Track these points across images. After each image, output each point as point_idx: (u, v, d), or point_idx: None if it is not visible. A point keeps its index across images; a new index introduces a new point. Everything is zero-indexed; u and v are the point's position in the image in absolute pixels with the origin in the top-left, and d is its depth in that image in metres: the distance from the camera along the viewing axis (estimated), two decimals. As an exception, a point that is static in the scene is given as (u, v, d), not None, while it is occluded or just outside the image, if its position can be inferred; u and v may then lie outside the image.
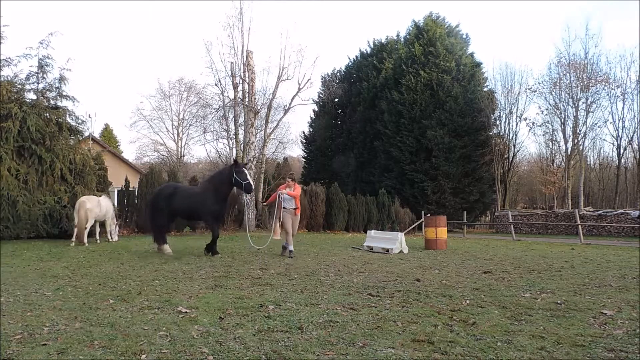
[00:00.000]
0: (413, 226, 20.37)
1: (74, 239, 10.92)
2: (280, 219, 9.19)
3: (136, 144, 45.61)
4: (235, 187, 8.89)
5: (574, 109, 26.92)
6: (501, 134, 30.18)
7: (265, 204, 10.82)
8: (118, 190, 18.43)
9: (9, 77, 13.21)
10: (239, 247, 10.99)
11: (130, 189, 17.41)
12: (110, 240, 12.31)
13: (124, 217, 16.53)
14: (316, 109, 36.37)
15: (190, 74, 61.41)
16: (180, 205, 8.85)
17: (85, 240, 10.85)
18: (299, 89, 22.09)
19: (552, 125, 29.20)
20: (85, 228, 10.89)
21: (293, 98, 22.56)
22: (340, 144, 33.60)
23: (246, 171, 8.72)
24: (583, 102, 26.69)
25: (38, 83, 13.68)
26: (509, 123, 30.72)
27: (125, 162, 29.10)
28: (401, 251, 10.13)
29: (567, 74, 27.18)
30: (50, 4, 62.07)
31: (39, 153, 12.60)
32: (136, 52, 67.46)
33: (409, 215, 23.20)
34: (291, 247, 9.05)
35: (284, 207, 9.15)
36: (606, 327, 3.63)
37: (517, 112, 30.62)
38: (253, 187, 8.57)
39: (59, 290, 5.05)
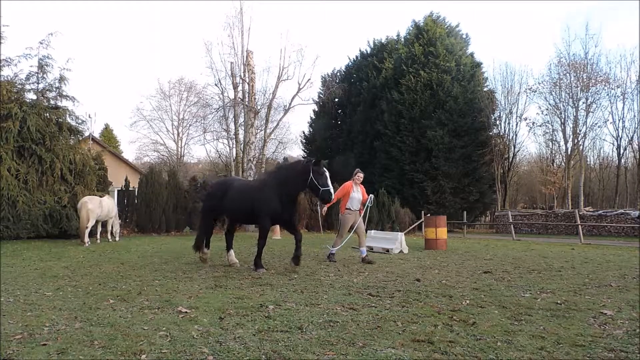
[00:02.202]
0: (413, 226, 20.37)
1: (86, 239, 10.92)
2: (347, 221, 8.38)
3: (136, 144, 45.68)
4: (307, 190, 7.09)
5: (574, 109, 26.94)
6: (501, 134, 30.19)
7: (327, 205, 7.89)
8: (118, 190, 18.44)
9: (9, 77, 13.22)
10: (239, 247, 10.99)
11: (130, 189, 17.41)
12: (112, 240, 12.32)
13: (124, 217, 16.54)
14: (316, 109, 36.37)
15: (190, 74, 61.49)
16: (234, 203, 7.12)
17: (86, 240, 10.86)
18: (299, 89, 22.11)
19: (552, 125, 29.23)
20: (87, 228, 10.90)
21: (293, 98, 22.59)
22: (340, 144, 33.58)
23: (327, 174, 6.84)
24: (583, 102, 26.70)
25: (38, 83, 13.68)
26: (509, 123, 30.76)
27: (125, 162, 29.11)
28: (401, 251, 10.14)
29: (567, 74, 27.19)
30: (50, 4, 62.09)
31: (39, 153, 12.60)
32: (136, 52, 67.49)
33: (409, 215, 23.19)
34: (364, 250, 8.39)
35: (349, 208, 8.36)
36: (606, 327, 3.62)
37: (517, 112, 30.66)
38: (333, 196, 6.83)
39: (59, 290, 5.05)
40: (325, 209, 8.81)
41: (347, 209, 8.40)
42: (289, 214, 6.89)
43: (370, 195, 8.65)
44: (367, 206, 8.67)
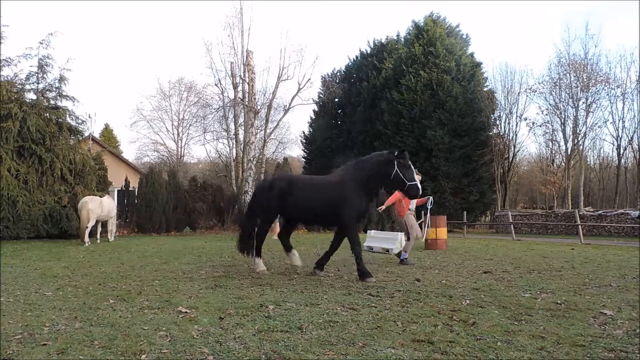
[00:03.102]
0: (413, 226, 20.33)
1: (86, 239, 10.92)
2: (412, 221, 8.17)
3: (136, 144, 45.68)
4: (391, 185, 6.38)
5: (574, 109, 26.91)
6: (501, 134, 30.17)
7: (384, 207, 8.24)
8: (118, 190, 18.44)
9: (9, 77, 13.24)
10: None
11: (130, 189, 17.42)
12: (110, 240, 12.32)
13: (124, 217, 16.55)
14: (316, 109, 36.36)
15: (190, 74, 61.49)
16: (305, 201, 6.28)
17: (86, 240, 10.87)
18: (299, 89, 22.11)
19: (552, 125, 29.20)
20: (87, 228, 10.91)
21: (293, 98, 22.58)
22: (340, 144, 33.56)
23: (413, 167, 6.28)
24: (583, 102, 26.68)
25: (38, 83, 13.70)
26: (509, 123, 30.72)
27: (125, 162, 29.12)
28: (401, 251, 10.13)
29: (567, 74, 27.17)
30: (50, 4, 62.09)
31: (39, 153, 12.61)
32: (136, 52, 67.49)
33: (408, 215, 23.15)
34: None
35: (410, 209, 8.12)
36: (606, 327, 3.62)
37: (517, 112, 30.62)
38: (420, 191, 6.27)
39: (59, 290, 5.05)
40: (383, 207, 8.31)
41: (409, 209, 8.14)
42: (367, 214, 6.27)
43: (429, 197, 8.54)
44: (428, 208, 8.59)
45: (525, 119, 30.50)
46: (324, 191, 6.26)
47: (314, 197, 6.25)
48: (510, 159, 31.56)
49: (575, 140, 27.35)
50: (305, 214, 6.49)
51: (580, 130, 27.04)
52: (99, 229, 12.09)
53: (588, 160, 33.42)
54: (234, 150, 24.60)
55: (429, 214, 9.39)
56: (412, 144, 26.62)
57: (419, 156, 26.50)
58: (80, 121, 14.50)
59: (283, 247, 6.92)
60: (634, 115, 27.98)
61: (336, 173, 6.44)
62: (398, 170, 6.01)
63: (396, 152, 6.15)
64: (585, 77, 26.40)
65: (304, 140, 37.47)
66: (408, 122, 26.88)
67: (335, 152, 33.85)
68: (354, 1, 65.68)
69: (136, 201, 16.82)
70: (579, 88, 26.51)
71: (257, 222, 6.73)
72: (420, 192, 6.25)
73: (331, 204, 6.10)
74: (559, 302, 4.58)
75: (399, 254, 8.28)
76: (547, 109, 28.54)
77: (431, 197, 8.59)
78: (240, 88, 21.65)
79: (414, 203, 8.14)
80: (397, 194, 7.92)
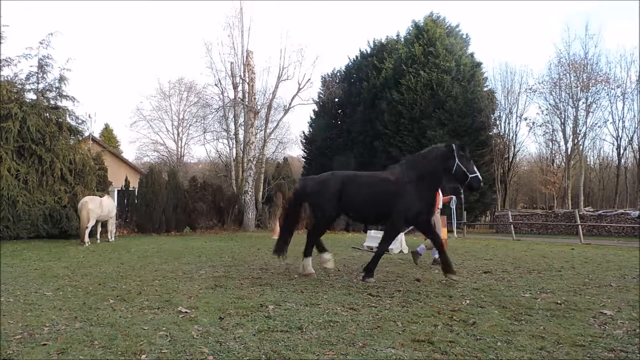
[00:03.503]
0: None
1: (86, 239, 10.92)
2: (439, 220, 8.17)
3: (136, 144, 45.63)
4: (452, 179, 6.10)
5: (574, 109, 26.93)
6: (501, 134, 30.18)
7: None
8: (118, 190, 18.44)
9: (9, 77, 13.23)
10: (239, 247, 11.00)
11: (130, 189, 17.42)
12: (110, 240, 12.32)
13: (124, 217, 16.55)
14: (316, 109, 36.36)
15: (190, 74, 61.51)
16: (363, 199, 6.02)
17: (86, 240, 10.87)
18: (299, 89, 22.12)
19: (552, 125, 29.21)
20: (87, 228, 10.91)
21: (293, 98, 22.60)
22: (340, 144, 33.57)
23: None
24: (583, 102, 26.69)
25: (38, 83, 13.70)
26: (509, 123, 30.73)
27: (125, 162, 29.11)
28: (401, 251, 10.14)
29: (567, 74, 27.17)
30: (50, 4, 62.10)
31: (39, 153, 12.61)
32: (136, 52, 67.50)
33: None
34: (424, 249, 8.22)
35: (439, 207, 8.10)
36: (606, 327, 3.62)
37: (517, 112, 30.63)
38: (482, 182, 6.01)
39: (59, 290, 5.05)
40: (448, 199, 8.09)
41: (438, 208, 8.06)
42: (428, 212, 6.03)
43: (452, 196, 8.45)
44: (451, 208, 8.52)
45: (525, 119, 30.53)
46: (381, 189, 5.97)
47: (371, 195, 5.98)
48: (510, 159, 31.56)
49: (575, 140, 27.36)
50: (362, 211, 6.24)
51: (580, 130, 27.05)
52: (99, 229, 12.08)
53: (588, 160, 33.44)
54: (234, 150, 24.63)
55: (454, 214, 9.32)
56: (412, 144, 26.61)
57: (419, 156, 26.52)
58: (80, 121, 14.51)
59: (316, 247, 6.59)
60: (634, 115, 28.00)
61: (395, 169, 6.17)
62: (459, 163, 5.80)
63: (455, 144, 5.97)
64: (585, 77, 26.41)
65: (304, 140, 37.48)
66: (408, 122, 26.89)
67: (335, 152, 33.88)
68: (354, 1, 65.71)
69: (136, 201, 16.81)
70: (579, 88, 26.52)
71: (326, 224, 6.57)
72: (482, 184, 6.00)
73: (386, 202, 5.88)
74: (559, 302, 4.58)
75: (436, 261, 8.24)
76: (547, 109, 28.57)
77: (454, 197, 8.47)
78: (240, 88, 21.67)
79: (441, 201, 8.09)
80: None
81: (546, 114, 28.75)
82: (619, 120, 28.60)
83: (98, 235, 12.00)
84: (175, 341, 3.19)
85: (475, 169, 5.90)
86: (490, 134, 28.66)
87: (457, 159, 5.81)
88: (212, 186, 19.83)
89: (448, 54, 26.98)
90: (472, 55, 29.02)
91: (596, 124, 28.01)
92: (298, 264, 6.73)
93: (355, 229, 21.00)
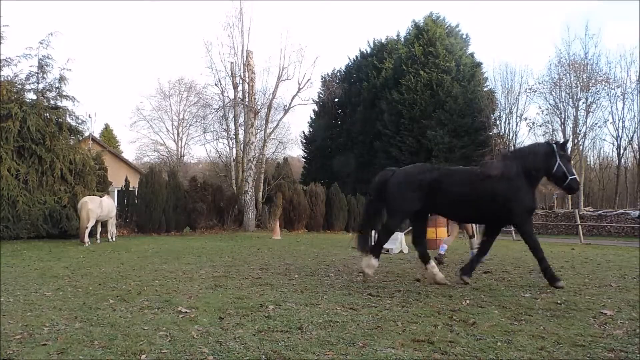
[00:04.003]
0: (413, 226, 20.34)
1: (86, 239, 10.92)
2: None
3: (136, 144, 45.63)
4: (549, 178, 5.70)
5: (574, 109, 26.92)
6: (501, 134, 30.17)
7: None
8: (118, 190, 18.43)
9: (9, 77, 13.23)
10: (239, 247, 10.99)
11: (130, 189, 17.41)
12: (110, 240, 12.31)
13: (124, 217, 16.54)
14: (316, 109, 36.38)
15: (190, 74, 61.50)
16: (463, 197, 5.53)
17: (86, 240, 10.87)
18: (299, 89, 22.10)
19: (552, 125, 29.17)
20: (87, 228, 10.91)
21: (293, 98, 22.57)
22: (340, 144, 33.59)
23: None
24: (583, 102, 26.69)
25: (38, 83, 13.69)
26: (509, 123, 30.68)
27: (125, 162, 29.11)
28: (401, 251, 10.14)
29: (567, 74, 27.17)
30: (50, 4, 62.10)
31: (39, 153, 12.61)
32: (136, 52, 67.49)
33: (409, 215, 23.15)
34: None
35: None
36: (606, 327, 3.62)
37: (517, 112, 30.60)
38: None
39: (59, 290, 5.04)
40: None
41: None
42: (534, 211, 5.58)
43: None
44: None
45: (525, 119, 30.49)
46: (488, 186, 5.44)
47: (477, 193, 5.48)
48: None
49: (575, 140, 27.34)
50: (463, 210, 5.76)
51: (580, 130, 27.04)
52: (99, 229, 12.08)
53: (588, 160, 33.41)
54: (234, 150, 24.59)
55: None
56: (412, 144, 26.65)
57: (419, 156, 26.51)
58: (80, 121, 14.50)
59: (420, 256, 5.90)
60: (634, 115, 27.99)
61: (495, 165, 5.77)
62: (560, 163, 5.48)
63: (557, 142, 5.71)
64: (585, 77, 26.41)
65: (304, 140, 37.49)
66: (408, 122, 26.90)
67: (335, 152, 33.91)
68: (354, 1, 65.71)
69: (136, 201, 16.80)
70: (579, 88, 26.52)
71: (381, 219, 6.02)
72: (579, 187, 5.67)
73: (495, 200, 5.41)
74: (559, 302, 4.57)
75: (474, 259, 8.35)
76: (547, 109, 28.56)
77: None
78: (240, 88, 21.65)
79: None
80: None
81: (546, 114, 28.76)
82: (619, 120, 28.61)
83: (98, 235, 11.99)
84: (175, 341, 3.18)
85: (574, 171, 5.65)
86: (490, 134, 28.66)
87: (558, 159, 5.49)
88: (212, 186, 19.82)
89: (448, 54, 27.00)
90: (472, 55, 29.04)
91: (596, 124, 28.03)
92: (357, 264, 6.06)
93: (355, 229, 20.98)
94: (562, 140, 5.75)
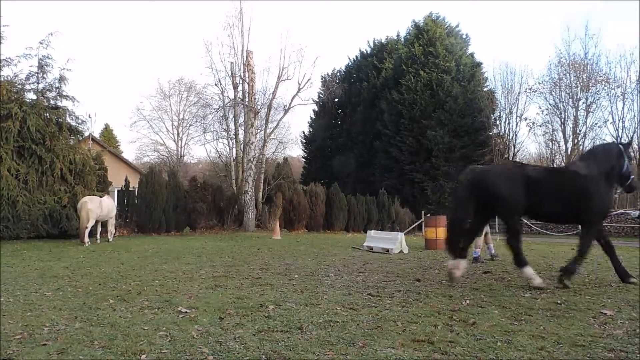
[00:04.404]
0: (413, 226, 20.36)
1: (86, 239, 10.92)
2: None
3: (136, 144, 45.62)
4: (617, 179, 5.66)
5: (574, 109, 26.93)
6: (501, 134, 30.16)
7: None
8: (118, 190, 18.42)
9: (9, 77, 13.22)
10: (239, 247, 11.00)
11: (130, 189, 17.40)
12: (109, 240, 12.31)
13: (124, 217, 16.53)
14: (316, 109, 36.36)
15: (190, 74, 61.42)
16: (552, 196, 5.42)
17: (86, 240, 10.87)
18: (299, 89, 22.08)
19: (552, 125, 29.16)
20: (86, 228, 10.91)
21: (293, 98, 22.55)
22: (340, 144, 33.58)
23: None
24: (583, 102, 26.70)
25: (38, 83, 13.68)
26: (509, 123, 30.67)
27: (125, 162, 29.10)
28: (401, 251, 10.13)
29: (567, 74, 27.17)
30: (50, 4, 62.10)
31: (39, 153, 12.60)
32: (136, 52, 67.49)
33: (409, 215, 23.19)
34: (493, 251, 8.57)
35: None
36: (606, 327, 3.62)
37: (517, 112, 30.58)
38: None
39: (59, 290, 5.05)
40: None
41: None
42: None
43: None
44: None
45: (525, 119, 30.47)
46: (576, 186, 5.40)
47: (565, 192, 5.40)
48: (511, 159, 31.55)
49: (575, 140, 27.35)
50: (552, 209, 5.58)
51: (580, 130, 27.05)
52: (99, 229, 12.08)
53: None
54: (234, 150, 24.58)
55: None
56: (412, 144, 26.64)
57: (419, 156, 26.54)
58: (80, 121, 14.48)
59: (518, 258, 5.53)
60: (634, 115, 27.93)
61: (578, 164, 5.71)
62: (627, 163, 5.47)
63: (622, 143, 5.67)
64: (585, 77, 26.42)
65: (304, 140, 37.47)
66: (408, 122, 26.89)
67: (335, 152, 33.90)
68: (354, 1, 65.72)
69: (136, 201, 16.78)
70: (579, 88, 26.53)
71: (468, 217, 5.78)
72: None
73: (581, 200, 5.35)
74: (559, 302, 4.58)
75: (492, 257, 8.75)
76: (547, 109, 28.55)
77: None
78: (240, 88, 21.64)
79: None
80: None
81: (546, 114, 28.75)
82: (619, 120, 28.54)
83: (98, 235, 11.99)
84: (175, 341, 3.19)
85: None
86: (490, 134, 28.65)
87: (626, 159, 5.52)
88: (212, 186, 19.81)
89: (448, 54, 27.00)
90: (472, 55, 29.03)
91: (596, 124, 27.99)
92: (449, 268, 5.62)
93: (355, 229, 20.99)
94: (626, 141, 5.76)
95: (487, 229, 8.55)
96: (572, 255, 5.94)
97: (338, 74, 36.10)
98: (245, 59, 20.87)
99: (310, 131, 37.21)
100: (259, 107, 21.81)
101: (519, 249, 5.44)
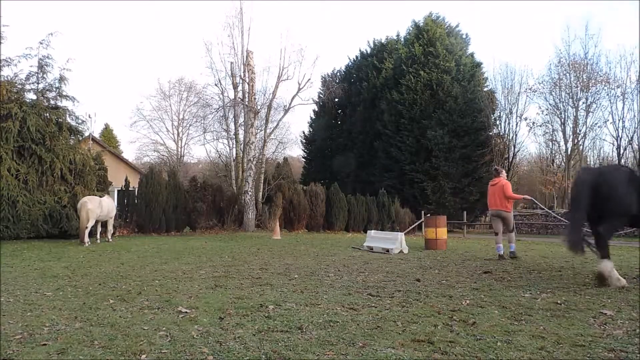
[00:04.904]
0: (413, 226, 20.36)
1: (85, 239, 10.92)
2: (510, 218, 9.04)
3: (136, 144, 45.67)
4: None
5: (574, 109, 26.94)
6: (501, 134, 30.16)
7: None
8: (118, 190, 18.43)
9: (9, 77, 13.22)
10: (239, 247, 10.99)
11: (130, 189, 17.41)
12: (109, 240, 12.31)
13: (124, 217, 16.54)
14: (316, 109, 36.35)
15: (190, 74, 61.49)
16: None
17: (86, 240, 10.87)
18: (299, 89, 22.09)
19: (552, 125, 29.20)
20: (86, 228, 10.91)
21: (293, 98, 22.56)
22: (340, 144, 33.57)
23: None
24: (583, 102, 26.71)
25: (38, 83, 13.68)
26: (509, 123, 30.68)
27: (125, 162, 29.11)
28: (401, 251, 10.13)
29: (567, 74, 27.18)
30: (50, 4, 62.09)
31: (39, 153, 12.60)
32: (136, 52, 67.49)
33: (409, 215, 23.19)
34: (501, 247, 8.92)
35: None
36: (606, 327, 3.62)
37: (517, 112, 30.60)
38: None
39: (59, 290, 5.05)
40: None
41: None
42: None
43: (525, 195, 9.12)
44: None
45: (526, 119, 30.50)
46: None
47: None
48: (510, 159, 31.53)
49: (575, 140, 27.38)
50: None
51: (580, 130, 27.07)
52: (99, 229, 12.08)
53: (588, 160, 33.43)
54: (234, 150, 24.60)
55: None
56: (412, 144, 26.62)
57: (419, 156, 26.52)
58: (80, 121, 14.49)
59: (603, 251, 5.74)
60: (634, 115, 27.93)
61: None
62: None
63: None
64: (585, 77, 26.43)
65: (304, 140, 37.46)
66: (408, 122, 26.88)
67: (335, 152, 33.88)
68: (354, 1, 65.71)
69: (136, 201, 16.79)
70: (578, 88, 26.54)
71: (585, 215, 5.72)
72: None
73: None
74: (559, 302, 4.58)
75: (513, 255, 8.92)
76: (547, 109, 28.58)
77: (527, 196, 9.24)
78: (240, 88, 21.65)
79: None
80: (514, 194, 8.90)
81: (546, 114, 28.78)
82: (619, 120, 28.55)
83: (98, 235, 11.99)
84: (175, 341, 3.19)
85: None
86: (490, 134, 28.64)
87: None
88: (212, 186, 19.81)
89: (448, 54, 26.97)
90: (472, 55, 29.00)
91: (596, 124, 28.02)
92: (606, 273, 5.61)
93: (355, 229, 20.99)
94: None
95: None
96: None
97: (338, 74, 36.08)
98: (245, 59, 20.87)
99: (310, 131, 37.20)
100: (259, 107, 21.81)
101: (607, 244, 5.69)
